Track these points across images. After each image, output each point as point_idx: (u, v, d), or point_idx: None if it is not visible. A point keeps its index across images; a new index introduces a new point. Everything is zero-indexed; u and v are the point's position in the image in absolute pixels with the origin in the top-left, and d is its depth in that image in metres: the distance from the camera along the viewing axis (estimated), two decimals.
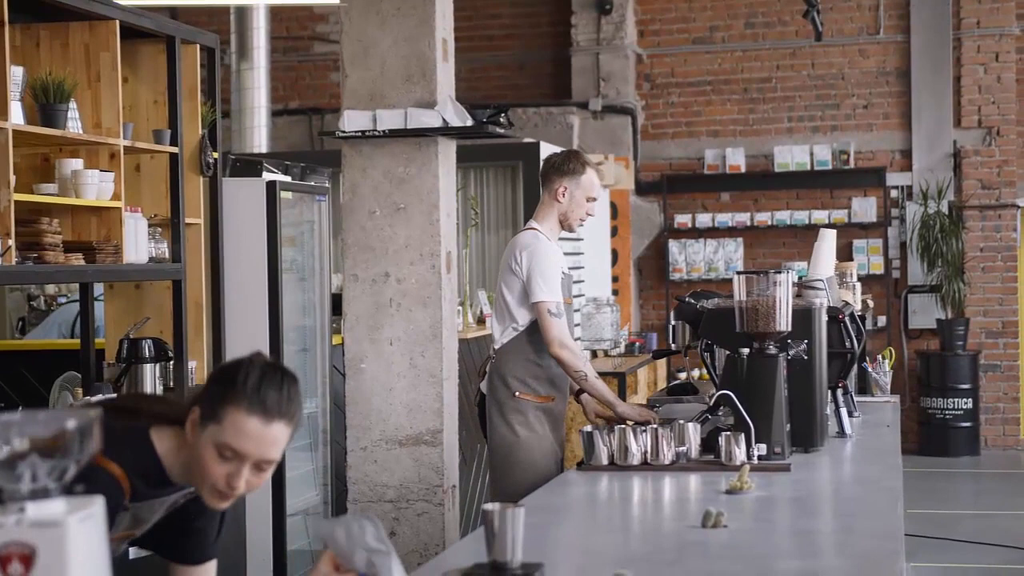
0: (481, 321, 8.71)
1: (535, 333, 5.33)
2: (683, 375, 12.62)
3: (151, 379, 5.64)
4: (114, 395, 5.21)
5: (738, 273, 4.59)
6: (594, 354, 10.63)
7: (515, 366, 5.39)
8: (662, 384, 10.99)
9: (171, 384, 5.82)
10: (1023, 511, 10.40)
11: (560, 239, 5.57)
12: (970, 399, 12.62)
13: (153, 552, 2.99)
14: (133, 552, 4.72)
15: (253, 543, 6.35)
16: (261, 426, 2.62)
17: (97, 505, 1.83)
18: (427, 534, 5.92)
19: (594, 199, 5.51)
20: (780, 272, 4.56)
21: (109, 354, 5.87)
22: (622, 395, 9.00)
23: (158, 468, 2.75)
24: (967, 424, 12.64)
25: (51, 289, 9.13)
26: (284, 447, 2.70)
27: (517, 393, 5.37)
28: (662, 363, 11.85)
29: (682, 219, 13.31)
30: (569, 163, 5.47)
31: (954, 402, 12.60)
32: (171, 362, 5.81)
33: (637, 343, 11.40)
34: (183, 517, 2.90)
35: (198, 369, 6.10)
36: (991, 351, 12.96)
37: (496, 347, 5.46)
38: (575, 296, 6.02)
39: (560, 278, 5.35)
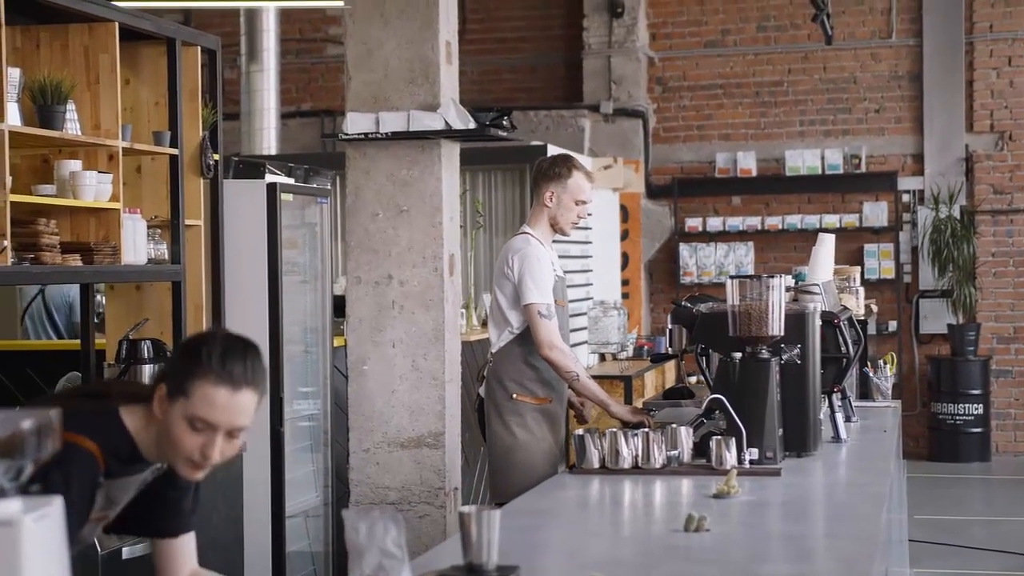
0: (485, 324, 8.71)
1: (530, 336, 5.36)
2: (693, 379, 12.61)
3: (150, 380, 5.66)
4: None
5: (731, 277, 4.60)
6: (602, 357, 10.64)
7: (512, 369, 5.44)
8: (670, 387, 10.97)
9: None
10: None
11: (567, 241, 5.62)
12: (981, 404, 12.58)
13: (133, 535, 3.02)
14: (127, 552, 4.76)
15: (252, 544, 6.36)
16: (229, 396, 2.71)
17: (54, 505, 1.84)
18: (429, 536, 5.93)
19: (583, 202, 5.55)
20: (773, 277, 4.55)
21: (109, 355, 5.90)
22: (628, 399, 9.00)
23: (130, 445, 2.81)
24: (978, 430, 12.60)
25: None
26: (253, 415, 2.78)
27: (514, 395, 5.42)
28: (671, 367, 11.83)
29: (693, 223, 13.30)
30: (555, 167, 5.54)
31: (965, 407, 12.56)
32: None
33: (646, 347, 11.39)
34: (156, 490, 2.96)
35: None
36: (1002, 356, 12.92)
37: (493, 351, 5.52)
38: (570, 300, 6.04)
39: (552, 281, 5.38)
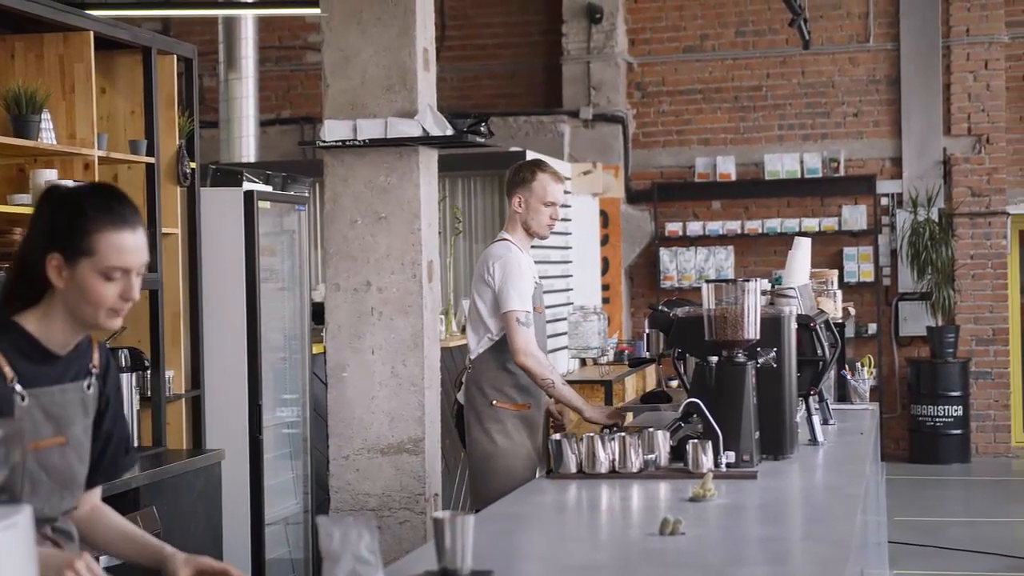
0: (464, 330, 8.72)
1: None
2: (674, 383, 12.63)
3: (128, 388, 5.65)
4: None
5: (707, 281, 4.61)
6: (582, 362, 10.65)
7: (491, 375, 5.47)
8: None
9: (148, 394, 5.84)
10: (1013, 519, 10.40)
11: (547, 247, 5.64)
12: (960, 406, 12.63)
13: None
14: (104, 561, 4.74)
15: (231, 552, 6.35)
16: (132, 237, 2.79)
17: (23, 514, 1.85)
18: (409, 542, 5.93)
19: (552, 203, 5.59)
20: (749, 280, 4.57)
21: None
22: (608, 403, 9.01)
23: (34, 343, 2.80)
24: (957, 431, 12.65)
25: None
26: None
27: (494, 402, 5.45)
28: (651, 371, 11.86)
29: (673, 227, 13.32)
30: (519, 173, 5.63)
31: (944, 409, 12.60)
32: (148, 371, 5.83)
33: (627, 351, 11.41)
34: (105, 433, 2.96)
35: (175, 379, 6.11)
36: (981, 358, 12.97)
37: (471, 357, 5.55)
38: (550, 306, 6.07)
39: (531, 288, 5.41)
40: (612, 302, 12.83)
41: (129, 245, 2.79)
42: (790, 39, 12.98)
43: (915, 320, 12.97)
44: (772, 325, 4.68)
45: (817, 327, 5.15)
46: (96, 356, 2.95)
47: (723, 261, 13.24)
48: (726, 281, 4.59)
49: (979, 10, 12.93)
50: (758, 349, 4.61)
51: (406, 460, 5.94)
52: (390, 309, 6.01)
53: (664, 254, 13.32)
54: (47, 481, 2.80)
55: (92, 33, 5.45)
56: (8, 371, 2.75)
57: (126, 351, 5.65)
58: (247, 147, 10.70)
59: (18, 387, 2.75)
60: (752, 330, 4.52)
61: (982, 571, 8.40)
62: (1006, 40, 12.99)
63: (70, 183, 2.90)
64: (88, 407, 2.91)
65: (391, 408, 5.97)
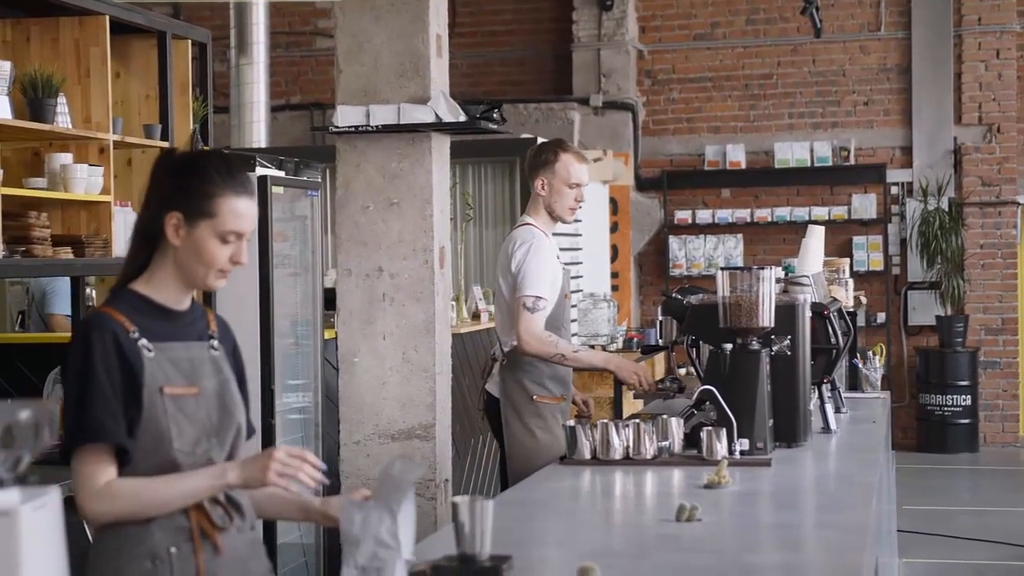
0: (476, 316, 8.73)
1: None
2: (683, 371, 12.63)
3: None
4: None
5: (722, 269, 4.61)
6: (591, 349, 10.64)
7: (529, 368, 5.34)
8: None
9: None
10: (1021, 508, 10.41)
11: (558, 233, 5.57)
12: (969, 396, 12.63)
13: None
14: None
15: None
16: (249, 203, 2.93)
17: (52, 495, 1.86)
18: (420, 528, 5.89)
19: (577, 184, 5.44)
20: (763, 268, 4.57)
21: None
22: (617, 390, 9.00)
23: (149, 302, 2.93)
24: (966, 421, 12.65)
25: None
26: None
27: (535, 397, 5.33)
28: (660, 358, 11.86)
29: (682, 215, 13.32)
30: (541, 155, 5.46)
31: (953, 399, 12.60)
32: None
33: (636, 339, 11.41)
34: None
35: None
36: (990, 348, 12.97)
37: (505, 349, 5.39)
38: (573, 292, 6.01)
39: (552, 274, 5.33)
40: (621, 289, 12.83)
41: (246, 211, 2.92)
42: (801, 27, 12.96)
43: (924, 309, 12.97)
44: (786, 313, 4.68)
45: (831, 315, 5.15)
46: (213, 321, 3.07)
47: (732, 249, 13.24)
48: (741, 269, 4.59)
49: None
50: (772, 337, 4.61)
51: (417, 446, 5.95)
52: (402, 295, 6.01)
53: (673, 242, 13.32)
54: (190, 429, 2.91)
55: (108, 17, 5.45)
56: (130, 326, 2.87)
57: None
58: (258, 132, 10.69)
59: (143, 341, 2.88)
60: (767, 318, 4.52)
61: (989, 560, 8.41)
62: (1017, 29, 12.96)
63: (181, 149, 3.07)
64: (220, 366, 3.02)
65: (402, 394, 5.97)
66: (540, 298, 5.28)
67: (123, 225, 5.51)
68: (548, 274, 5.33)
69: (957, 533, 9.08)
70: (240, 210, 2.90)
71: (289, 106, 13.69)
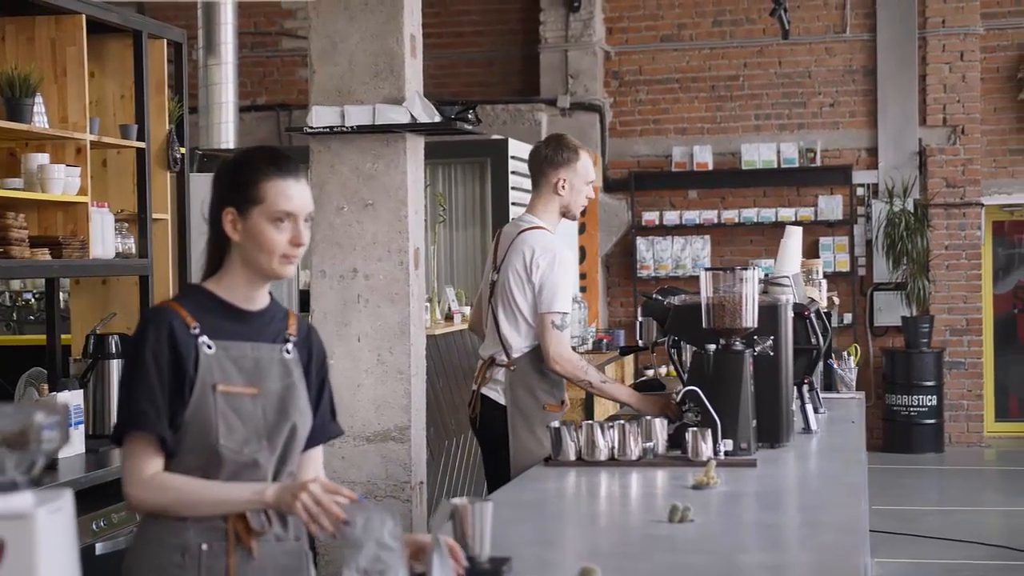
0: (449, 317, 8.71)
1: None
2: (650, 372, 12.67)
3: (118, 375, 5.61)
4: None
5: (705, 269, 4.61)
6: None
7: (539, 376, 5.17)
8: (629, 380, 11.01)
9: None
10: (986, 507, 10.49)
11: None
12: (934, 396, 12.71)
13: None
14: (100, 547, 4.72)
15: None
16: (295, 184, 2.97)
17: (65, 499, 1.83)
18: None
19: (592, 181, 5.30)
20: (747, 269, 4.57)
21: (75, 350, 5.84)
22: (587, 393, 8.99)
23: (218, 300, 2.99)
24: (931, 421, 12.73)
25: (16, 284, 9.10)
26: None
27: (545, 406, 5.17)
28: (629, 360, 11.89)
29: (650, 216, 13.35)
30: (562, 152, 5.23)
31: (919, 399, 12.68)
32: None
33: (605, 340, 11.43)
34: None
35: None
36: (955, 348, 13.06)
37: (513, 355, 5.18)
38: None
39: (571, 287, 5.20)
40: (589, 291, 12.85)
41: (294, 192, 2.96)
42: (767, 29, 13.02)
43: (890, 310, 13.04)
44: (769, 313, 4.69)
45: (811, 316, 5.16)
46: (294, 325, 3.10)
47: (700, 251, 13.28)
48: (724, 269, 4.59)
49: (955, 1, 13.00)
50: (755, 337, 4.61)
51: (392, 448, 5.94)
52: (377, 296, 6.00)
53: (641, 243, 13.34)
54: (240, 427, 2.94)
55: (84, 16, 5.40)
56: (191, 322, 2.92)
57: (116, 337, 5.60)
58: (227, 133, 10.62)
59: (203, 337, 2.92)
60: (750, 318, 4.53)
61: (956, 559, 8.46)
62: (981, 32, 13.06)
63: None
64: (290, 369, 3.04)
65: (377, 396, 5.96)
66: (566, 314, 5.10)
67: (100, 226, 5.46)
68: (571, 287, 5.18)
69: (924, 532, 9.13)
70: (287, 191, 2.95)
71: (255, 107, 13.63)
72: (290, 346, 3.05)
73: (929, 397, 12.69)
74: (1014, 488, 11.30)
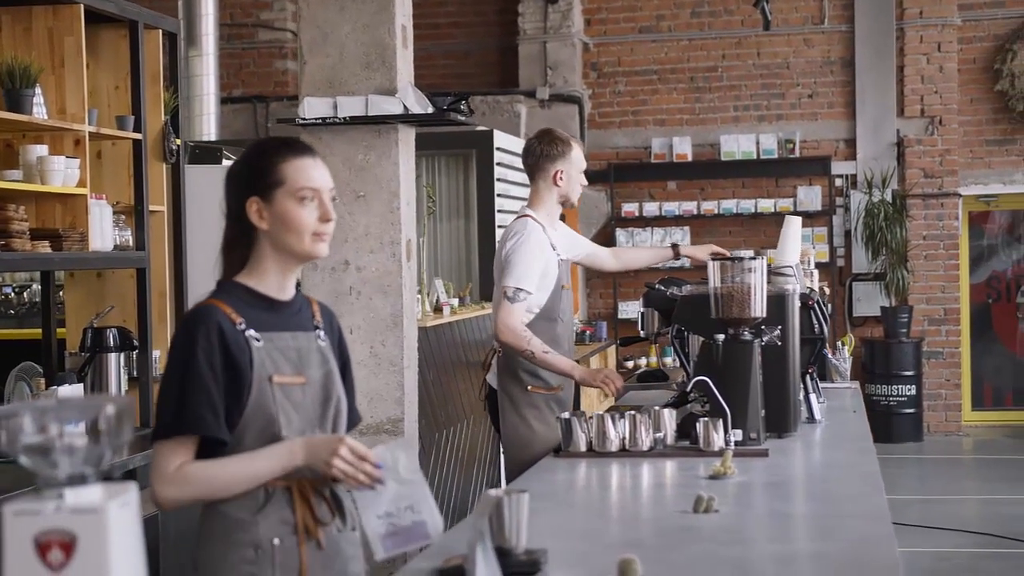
0: (438, 309, 8.68)
1: (540, 324, 5.28)
2: (644, 362, 12.68)
3: (115, 368, 5.57)
4: None
5: (713, 259, 4.60)
6: None
7: (524, 359, 5.29)
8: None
9: (135, 374, 5.75)
10: (966, 496, 10.54)
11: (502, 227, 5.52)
12: (913, 386, 12.76)
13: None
14: None
15: None
16: (312, 160, 2.98)
17: (131, 492, 1.81)
18: None
19: (584, 169, 5.59)
20: (755, 258, 4.57)
21: (71, 343, 5.79)
22: (576, 388, 8.99)
23: (254, 293, 2.98)
24: (910, 410, 12.79)
25: (19, 277, 9.05)
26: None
27: (529, 387, 5.33)
28: (611, 351, 11.88)
29: (629, 208, 13.34)
30: (556, 146, 5.46)
31: (898, 389, 12.73)
32: (135, 351, 5.74)
33: (587, 331, 11.43)
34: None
35: (162, 358, 6.03)
36: (934, 338, 13.11)
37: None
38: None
39: (539, 266, 5.30)
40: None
41: (311, 167, 2.96)
42: (746, 20, 13.03)
43: (869, 300, 13.09)
44: (776, 303, 4.69)
45: (815, 305, 5.17)
46: (318, 312, 3.10)
47: (679, 242, 13.26)
48: (732, 259, 4.58)
49: None
50: (763, 327, 4.61)
51: (384, 440, 5.91)
52: (369, 288, 5.98)
53: (620, 234, 13.33)
54: (296, 417, 2.93)
55: (82, 6, 5.34)
56: (237, 318, 2.91)
57: (114, 331, 5.56)
58: (208, 125, 10.55)
59: (250, 331, 2.92)
60: (759, 308, 4.52)
61: (935, 548, 8.50)
62: (958, 23, 13.11)
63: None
64: (326, 357, 3.03)
65: (370, 388, 5.94)
66: (521, 289, 5.24)
67: (99, 218, 5.40)
68: (536, 266, 5.29)
69: (904, 521, 9.17)
70: (307, 169, 2.95)
71: (231, 99, 13.54)
72: (322, 333, 3.05)
73: (908, 387, 12.74)
74: (994, 476, 11.36)
